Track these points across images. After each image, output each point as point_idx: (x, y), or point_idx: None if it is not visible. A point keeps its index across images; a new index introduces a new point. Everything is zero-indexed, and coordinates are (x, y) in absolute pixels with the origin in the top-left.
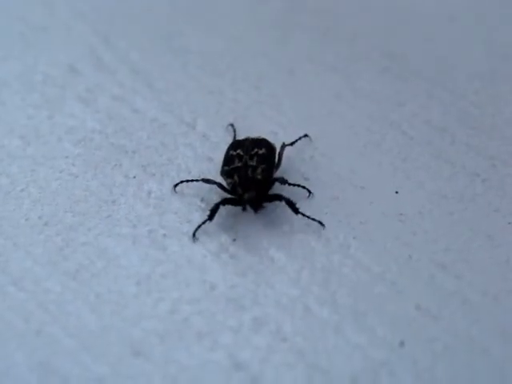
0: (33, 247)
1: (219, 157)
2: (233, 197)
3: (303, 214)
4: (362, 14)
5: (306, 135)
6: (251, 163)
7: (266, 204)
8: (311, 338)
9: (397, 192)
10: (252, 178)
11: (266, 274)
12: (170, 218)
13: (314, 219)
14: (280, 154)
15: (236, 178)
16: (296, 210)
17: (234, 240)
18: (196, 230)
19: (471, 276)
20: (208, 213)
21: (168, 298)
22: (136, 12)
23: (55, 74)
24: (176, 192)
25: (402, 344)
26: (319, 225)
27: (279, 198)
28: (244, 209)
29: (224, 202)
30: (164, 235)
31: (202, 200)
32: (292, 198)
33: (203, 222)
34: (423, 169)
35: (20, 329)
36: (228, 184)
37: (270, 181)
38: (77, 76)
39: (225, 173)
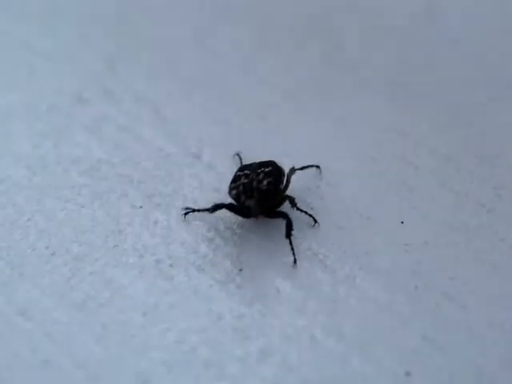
0: (40, 277)
1: (225, 187)
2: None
3: (290, 242)
4: (367, 40)
5: (317, 166)
6: (257, 178)
7: (265, 218)
8: (318, 369)
9: (402, 222)
10: (256, 188)
11: (272, 304)
12: (177, 248)
13: (293, 252)
14: (288, 177)
15: (241, 188)
16: (288, 235)
17: (241, 270)
18: (190, 211)
19: (477, 306)
20: (212, 205)
21: (175, 328)
22: (141, 39)
23: (61, 103)
24: (185, 221)
25: (408, 374)
26: (324, 255)
27: (283, 215)
28: (244, 215)
29: (230, 206)
30: (171, 265)
31: (209, 230)
32: (296, 226)
33: (202, 210)
34: (428, 199)
35: (27, 359)
36: (233, 196)
37: (279, 198)
38: (83, 105)
39: (231, 189)
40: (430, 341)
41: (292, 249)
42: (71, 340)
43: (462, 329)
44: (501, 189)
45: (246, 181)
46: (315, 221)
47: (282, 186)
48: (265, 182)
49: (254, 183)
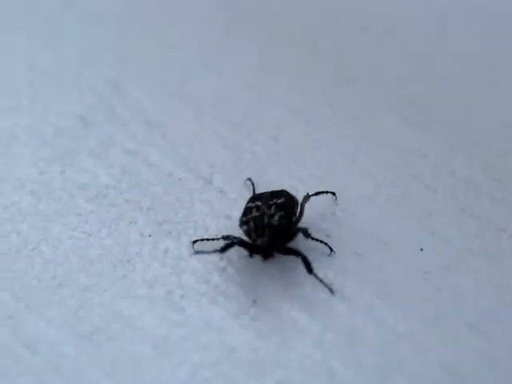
0: (46, 309)
1: (237, 214)
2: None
3: (316, 277)
4: (382, 59)
5: (333, 193)
6: (269, 212)
7: (279, 255)
8: None
9: (422, 249)
10: (268, 224)
11: (288, 337)
12: (188, 278)
13: (325, 285)
14: (302, 205)
15: (252, 224)
16: (310, 271)
17: (255, 301)
18: (196, 252)
19: (500, 335)
20: (222, 245)
21: (187, 362)
22: (147, 58)
23: (66, 126)
24: (194, 250)
25: None
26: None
27: (296, 253)
28: (251, 255)
29: (241, 242)
30: (181, 296)
31: (221, 259)
32: (312, 255)
33: (212, 251)
34: (448, 224)
35: None
36: (244, 232)
37: (292, 231)
38: (88, 128)
39: (242, 223)
40: (451, 371)
41: (322, 282)
42: (80, 374)
43: (484, 359)
44: None
45: (257, 214)
46: (331, 249)
47: (295, 218)
48: (276, 218)
49: (266, 219)
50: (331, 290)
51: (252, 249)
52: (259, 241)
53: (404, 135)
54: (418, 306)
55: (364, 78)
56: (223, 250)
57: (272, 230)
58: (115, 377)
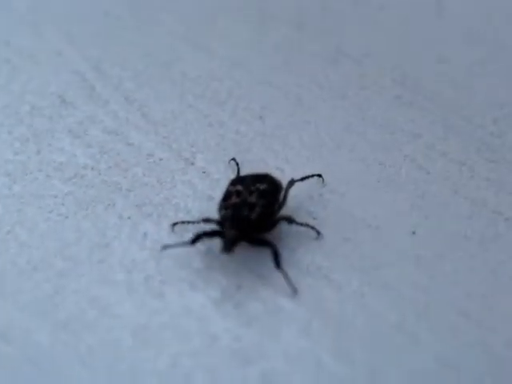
0: (20, 295)
1: (220, 195)
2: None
3: (283, 273)
4: (372, 36)
5: (319, 175)
6: (250, 200)
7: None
8: None
9: (413, 232)
10: (245, 217)
11: (274, 324)
12: (168, 263)
13: (290, 283)
14: (286, 192)
15: (230, 212)
16: (278, 265)
17: (238, 287)
18: (170, 246)
19: (495, 323)
20: (192, 236)
21: (167, 351)
22: (129, 37)
23: (43, 105)
24: (174, 232)
25: None
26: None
27: (268, 244)
28: (223, 250)
29: (211, 233)
30: (161, 282)
31: (203, 243)
32: (298, 239)
33: (182, 244)
34: (441, 206)
35: None
36: (220, 216)
37: (274, 220)
38: (67, 107)
39: (220, 207)
40: (444, 362)
41: (287, 279)
42: (55, 364)
43: (479, 349)
44: None
45: (237, 201)
46: (318, 232)
47: (278, 206)
48: (256, 210)
49: (245, 211)
50: (295, 290)
51: (218, 234)
52: (228, 232)
53: (395, 114)
54: (410, 294)
55: (354, 56)
56: (193, 242)
57: (248, 223)
58: (92, 366)
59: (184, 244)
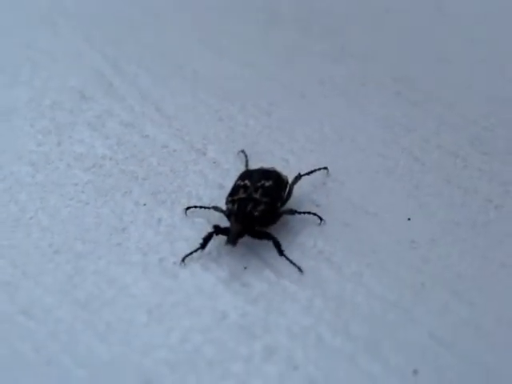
0: (42, 276)
1: (230, 184)
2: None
3: (287, 258)
4: (374, 36)
5: (325, 168)
6: (255, 196)
7: (242, 239)
8: (323, 367)
9: (409, 219)
10: (249, 213)
11: (278, 302)
12: (181, 245)
13: (294, 264)
14: (291, 187)
15: (235, 207)
16: (280, 252)
17: (245, 268)
18: (187, 255)
19: (485, 303)
20: (201, 241)
21: (179, 327)
22: (145, 36)
23: (64, 100)
24: (187, 216)
25: (415, 372)
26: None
27: (268, 236)
28: (228, 242)
29: (217, 231)
30: (174, 263)
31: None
32: (301, 225)
33: (195, 250)
34: (436, 195)
35: (30, 359)
36: (226, 210)
37: (276, 214)
38: (86, 101)
39: (227, 201)
40: (438, 338)
41: (292, 263)
42: (74, 339)
43: (470, 326)
44: (509, 185)
45: (243, 196)
46: (320, 219)
47: (281, 202)
48: (260, 208)
49: (249, 207)
50: (300, 269)
51: (223, 232)
52: (234, 226)
53: (393, 109)
54: (406, 275)
55: (357, 56)
56: (205, 242)
57: (251, 219)
58: (109, 341)
59: (196, 250)
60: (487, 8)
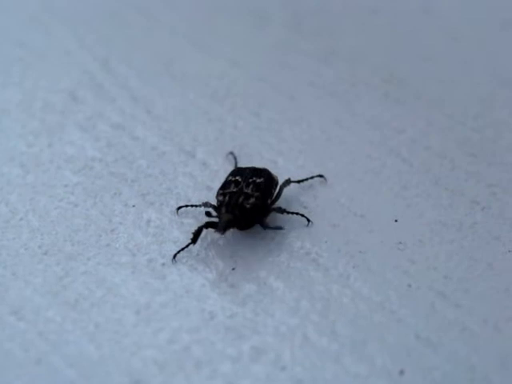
0: (32, 276)
1: (218, 185)
2: (216, 220)
3: (270, 228)
4: (362, 37)
5: (321, 176)
6: (246, 190)
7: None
8: (310, 368)
9: (396, 220)
10: (240, 205)
11: (265, 303)
12: (170, 246)
13: (276, 227)
14: (281, 188)
15: (227, 198)
16: (264, 227)
17: (233, 269)
18: (178, 252)
19: (471, 304)
20: (191, 236)
21: (167, 327)
22: (135, 37)
23: (55, 101)
24: (177, 216)
25: (401, 373)
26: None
27: (256, 221)
28: (218, 230)
29: (207, 225)
30: (163, 264)
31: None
32: (289, 226)
33: (186, 246)
34: (423, 196)
35: (19, 358)
36: (217, 202)
37: (266, 211)
38: (77, 103)
39: (218, 194)
40: (424, 339)
41: (273, 227)
42: (64, 339)
43: (456, 327)
44: (495, 187)
45: (234, 190)
46: (308, 220)
47: (271, 200)
48: (251, 200)
49: (241, 198)
50: (282, 227)
51: (213, 225)
52: (225, 216)
53: (382, 110)
54: (392, 276)
55: (345, 56)
56: (195, 236)
57: (242, 211)
58: (98, 341)
59: (188, 245)
60: (474, 8)
